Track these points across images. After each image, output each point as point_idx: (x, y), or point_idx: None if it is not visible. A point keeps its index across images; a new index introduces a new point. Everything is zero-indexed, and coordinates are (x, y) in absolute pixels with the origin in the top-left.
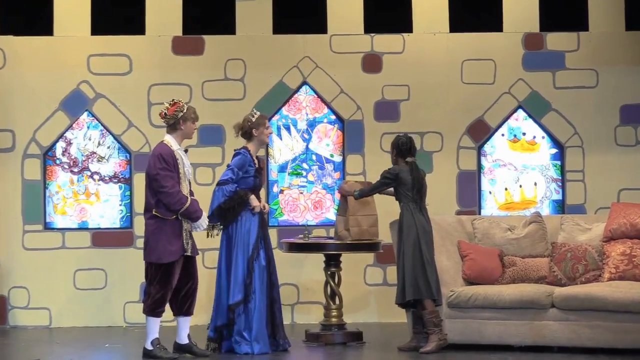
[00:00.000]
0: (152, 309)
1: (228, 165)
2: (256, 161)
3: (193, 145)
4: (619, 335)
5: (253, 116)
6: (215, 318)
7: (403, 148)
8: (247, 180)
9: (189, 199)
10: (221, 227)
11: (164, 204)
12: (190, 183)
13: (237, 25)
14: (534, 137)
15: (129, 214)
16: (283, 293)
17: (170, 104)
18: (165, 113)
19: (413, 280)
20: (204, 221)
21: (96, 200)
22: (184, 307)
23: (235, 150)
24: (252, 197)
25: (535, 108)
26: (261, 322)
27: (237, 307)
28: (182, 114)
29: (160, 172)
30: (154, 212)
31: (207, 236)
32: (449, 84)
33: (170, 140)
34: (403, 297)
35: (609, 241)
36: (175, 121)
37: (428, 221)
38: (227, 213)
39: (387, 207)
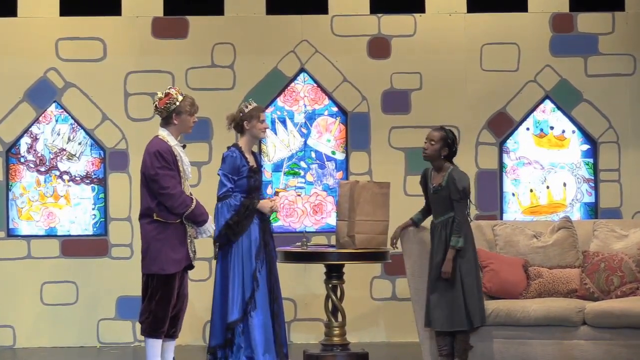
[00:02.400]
0: (154, 328)
1: (219, 172)
2: (250, 158)
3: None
4: None
5: (246, 106)
6: (210, 338)
7: (456, 148)
8: (239, 182)
9: (194, 200)
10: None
11: (167, 207)
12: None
13: (225, 5)
14: (563, 131)
15: (103, 220)
16: None
17: (163, 94)
18: (156, 105)
19: (479, 304)
20: (210, 226)
21: (66, 204)
22: (170, 329)
23: (227, 147)
24: (262, 204)
25: (565, 98)
26: (268, 335)
27: (235, 325)
28: (174, 106)
29: (159, 172)
30: (155, 217)
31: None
32: (466, 71)
33: (165, 135)
34: (469, 323)
35: None
36: (167, 114)
37: None
38: (236, 228)
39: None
